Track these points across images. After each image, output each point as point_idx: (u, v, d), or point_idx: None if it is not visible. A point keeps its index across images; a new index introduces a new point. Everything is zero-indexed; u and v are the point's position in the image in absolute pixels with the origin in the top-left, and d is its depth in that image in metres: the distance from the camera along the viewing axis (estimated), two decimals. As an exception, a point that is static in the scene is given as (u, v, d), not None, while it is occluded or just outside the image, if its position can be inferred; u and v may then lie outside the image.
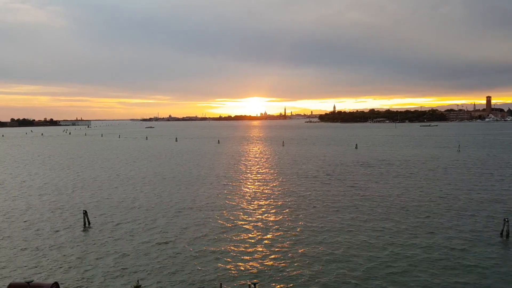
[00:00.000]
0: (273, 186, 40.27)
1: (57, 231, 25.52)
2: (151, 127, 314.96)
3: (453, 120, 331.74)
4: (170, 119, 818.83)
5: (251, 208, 30.91)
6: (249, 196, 35.52)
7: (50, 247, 22.34)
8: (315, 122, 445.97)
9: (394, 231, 24.20)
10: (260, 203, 32.57)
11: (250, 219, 27.68)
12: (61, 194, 37.79)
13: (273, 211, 29.65)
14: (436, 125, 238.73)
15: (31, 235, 24.66)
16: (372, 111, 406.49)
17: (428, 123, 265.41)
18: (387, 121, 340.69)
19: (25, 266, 19.46)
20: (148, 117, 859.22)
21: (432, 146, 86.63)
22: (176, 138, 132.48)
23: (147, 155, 76.48)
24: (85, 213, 27.02)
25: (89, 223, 26.80)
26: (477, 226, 24.96)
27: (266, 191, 37.83)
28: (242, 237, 23.55)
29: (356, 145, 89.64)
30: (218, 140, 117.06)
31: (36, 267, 19.31)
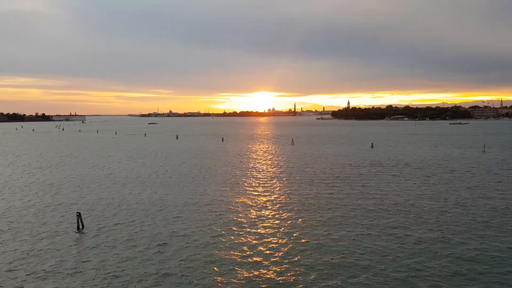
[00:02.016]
0: (280, 188, 40.33)
1: (49, 234, 25.78)
2: (154, 123, 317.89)
3: (478, 118, 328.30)
4: (170, 114, 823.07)
5: (256, 212, 31.00)
6: (255, 199, 35.61)
7: (41, 252, 22.54)
8: (328, 119, 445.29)
9: (401, 238, 24.04)
10: (265, 207, 32.64)
11: (255, 224, 27.72)
12: (52, 195, 38.21)
13: (278, 216, 29.69)
14: (467, 123, 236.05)
15: (20, 239, 24.90)
16: (389, 107, 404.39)
17: (458, 121, 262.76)
18: (406, 118, 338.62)
19: (14, 275, 19.58)
20: (147, 113, 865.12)
21: (455, 146, 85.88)
22: (177, 135, 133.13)
23: (145, 153, 77.04)
24: (79, 215, 27.22)
25: (83, 226, 27.07)
26: (487, 233, 24.68)
27: (272, 194, 37.88)
28: (247, 244, 23.58)
29: (372, 144, 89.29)
30: (222, 138, 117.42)
31: (28, 274, 19.52)
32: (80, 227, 26.90)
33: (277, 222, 28.05)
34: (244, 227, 26.91)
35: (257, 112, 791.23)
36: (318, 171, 51.07)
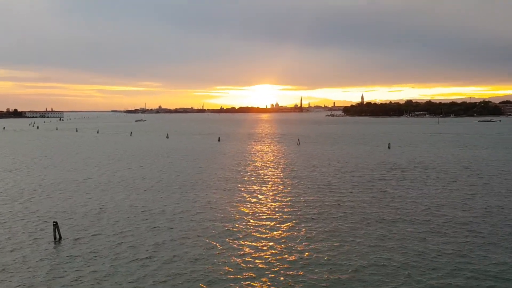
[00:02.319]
0: (283, 195, 40.49)
1: (21, 247, 25.95)
2: (141, 121, 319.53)
3: (510, 115, 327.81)
4: (160, 110, 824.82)
5: (254, 222, 31.13)
6: (253, 207, 35.76)
7: (12, 267, 22.69)
8: (339, 115, 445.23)
9: (419, 252, 24.10)
10: (265, 216, 32.79)
11: (252, 236, 27.82)
12: (23, 202, 38.41)
13: (279, 227, 29.82)
14: (499, 120, 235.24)
15: (-11, 251, 25.03)
16: (409, 102, 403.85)
17: (488, 118, 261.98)
18: (428, 115, 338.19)
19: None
20: (133, 108, 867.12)
21: (484, 147, 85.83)
22: (167, 134, 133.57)
23: (130, 155, 77.36)
24: (56, 224, 27.40)
25: (60, 237, 27.26)
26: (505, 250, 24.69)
27: (273, 201, 38.04)
28: (242, 258, 23.68)
29: (389, 144, 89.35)
30: (219, 137, 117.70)
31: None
32: (57, 237, 27.08)
33: (277, 233, 28.15)
34: (240, 239, 27.00)
35: (258, 108, 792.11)
36: (327, 176, 51.14)
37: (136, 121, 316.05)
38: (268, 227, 29.57)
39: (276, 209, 34.58)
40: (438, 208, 34.42)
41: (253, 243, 26.00)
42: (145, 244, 26.02)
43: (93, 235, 28.02)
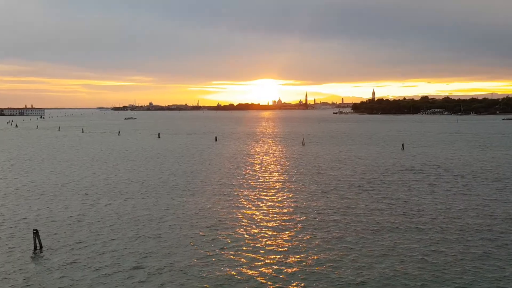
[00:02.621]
0: (284, 201, 40.47)
1: (-3, 256, 25.87)
2: (131, 118, 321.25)
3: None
4: (151, 107, 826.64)
5: (251, 230, 31.10)
6: (250, 214, 35.73)
7: (-15, 278, 22.61)
8: (347, 113, 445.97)
9: (436, 264, 24.01)
10: (263, 224, 32.74)
11: (248, 245, 27.77)
12: (0, 208, 38.34)
13: (278, 236, 29.77)
14: None
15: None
16: (424, 99, 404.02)
17: None
18: (446, 113, 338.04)
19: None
20: (121, 105, 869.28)
21: (508, 148, 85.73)
22: (159, 134, 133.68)
23: (118, 156, 77.49)
24: (36, 232, 27.42)
25: (41, 246, 27.29)
26: None
27: (273, 207, 38.03)
28: (237, 269, 23.61)
29: (403, 145, 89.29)
30: (216, 137, 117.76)
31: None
32: (38, 247, 27.09)
33: (276, 243, 28.09)
34: (235, 248, 26.94)
35: (259, 104, 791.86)
36: (334, 179, 51.14)
37: (125, 119, 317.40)
38: (267, 236, 29.50)
39: (275, 217, 34.49)
40: (456, 215, 34.31)
41: (249, 254, 25.88)
42: (131, 253, 25.99)
43: (75, 243, 28.00)
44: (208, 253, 25.90)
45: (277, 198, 41.47)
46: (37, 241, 27.19)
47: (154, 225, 32.04)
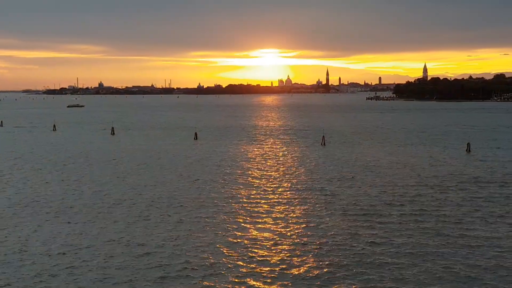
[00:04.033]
0: (296, 222, 40.58)
1: None
2: (78, 106, 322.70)
3: None
4: (101, 90, 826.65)
5: (247, 264, 31.09)
6: (241, 247, 35.73)
7: None
8: (387, 98, 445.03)
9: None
10: (259, 259, 32.81)
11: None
12: None
13: (289, 269, 29.72)
14: None
15: None
16: (500, 78, 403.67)
17: None
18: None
19: None
20: (58, 87, 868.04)
21: None
22: (113, 129, 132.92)
23: (50, 162, 77.56)
24: None
25: None
26: None
27: (274, 233, 38.04)
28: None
29: (468, 145, 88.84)
30: (195, 134, 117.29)
31: None
32: None
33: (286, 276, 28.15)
34: None
35: (258, 86, 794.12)
36: (363, 194, 51.28)
37: (69, 107, 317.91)
38: (261, 278, 29.57)
39: (277, 248, 34.59)
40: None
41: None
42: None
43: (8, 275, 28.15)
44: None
45: (285, 217, 41.91)
46: None
47: (96, 262, 31.96)
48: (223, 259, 32.64)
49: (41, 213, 45.04)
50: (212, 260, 32.29)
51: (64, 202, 49.35)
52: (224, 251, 34.20)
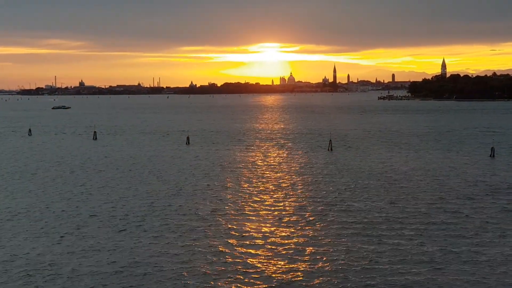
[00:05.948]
0: (300, 240, 40.61)
1: None
2: (63, 108, 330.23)
3: None
4: (82, 90, 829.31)
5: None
6: (244, 263, 35.49)
7: None
8: (401, 98, 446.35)
9: None
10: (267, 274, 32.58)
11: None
12: None
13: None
14: None
15: None
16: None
17: None
18: None
19: None
20: (34, 86, 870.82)
21: None
22: (95, 133, 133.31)
23: (26, 170, 77.61)
24: None
25: None
26: None
27: (273, 252, 37.80)
28: None
29: (493, 150, 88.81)
30: (187, 138, 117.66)
31: None
32: None
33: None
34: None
35: (258, 85, 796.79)
36: (373, 206, 51.34)
37: (54, 108, 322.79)
38: None
39: (277, 271, 34.40)
40: None
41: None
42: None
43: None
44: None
45: (288, 234, 42.00)
46: None
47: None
48: (216, 267, 33.45)
49: (3, 228, 45.18)
50: (203, 270, 33.22)
51: (39, 211, 49.86)
52: (221, 259, 34.04)
